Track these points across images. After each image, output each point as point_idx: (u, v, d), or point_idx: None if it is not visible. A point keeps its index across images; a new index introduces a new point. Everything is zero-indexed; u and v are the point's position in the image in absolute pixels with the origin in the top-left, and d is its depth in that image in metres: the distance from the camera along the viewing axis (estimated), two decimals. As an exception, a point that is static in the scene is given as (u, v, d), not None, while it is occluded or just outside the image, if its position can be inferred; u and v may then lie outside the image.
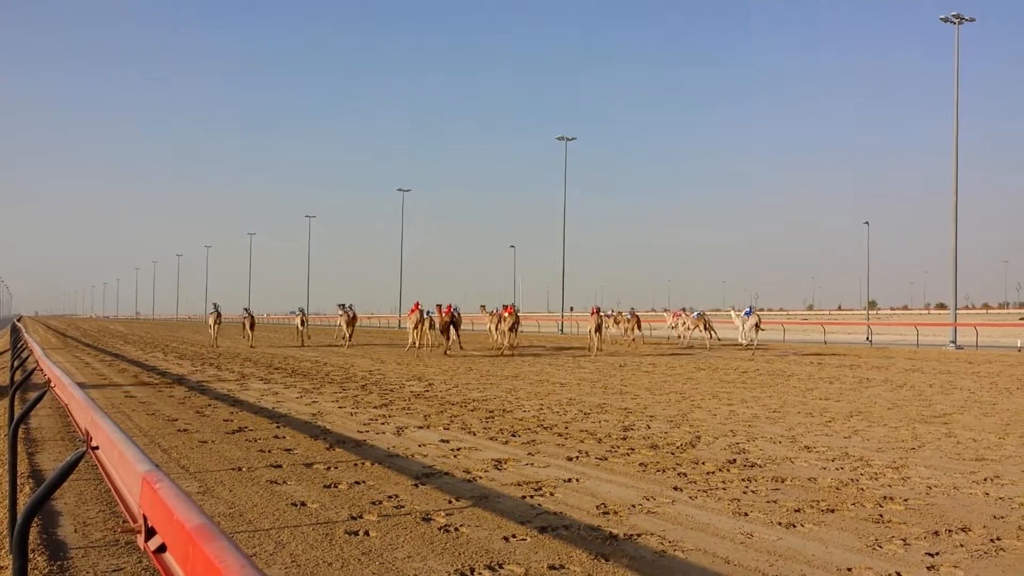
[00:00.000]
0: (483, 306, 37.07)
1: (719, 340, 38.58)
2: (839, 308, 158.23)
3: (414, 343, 31.13)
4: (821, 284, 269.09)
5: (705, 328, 35.35)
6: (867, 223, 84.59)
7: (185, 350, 33.44)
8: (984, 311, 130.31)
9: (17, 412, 6.98)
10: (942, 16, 40.01)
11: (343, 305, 36.29)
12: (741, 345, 35.27)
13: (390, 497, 6.97)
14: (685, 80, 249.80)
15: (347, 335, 35.77)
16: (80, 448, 3.99)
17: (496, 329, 32.27)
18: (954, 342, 36.10)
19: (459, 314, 31.64)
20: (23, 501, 6.42)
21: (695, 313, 36.55)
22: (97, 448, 4.09)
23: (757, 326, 32.36)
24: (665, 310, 47.21)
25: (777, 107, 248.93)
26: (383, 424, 11.36)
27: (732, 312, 39.14)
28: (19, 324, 34.00)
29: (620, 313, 40.13)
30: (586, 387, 16.98)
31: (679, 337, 38.23)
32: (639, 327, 38.66)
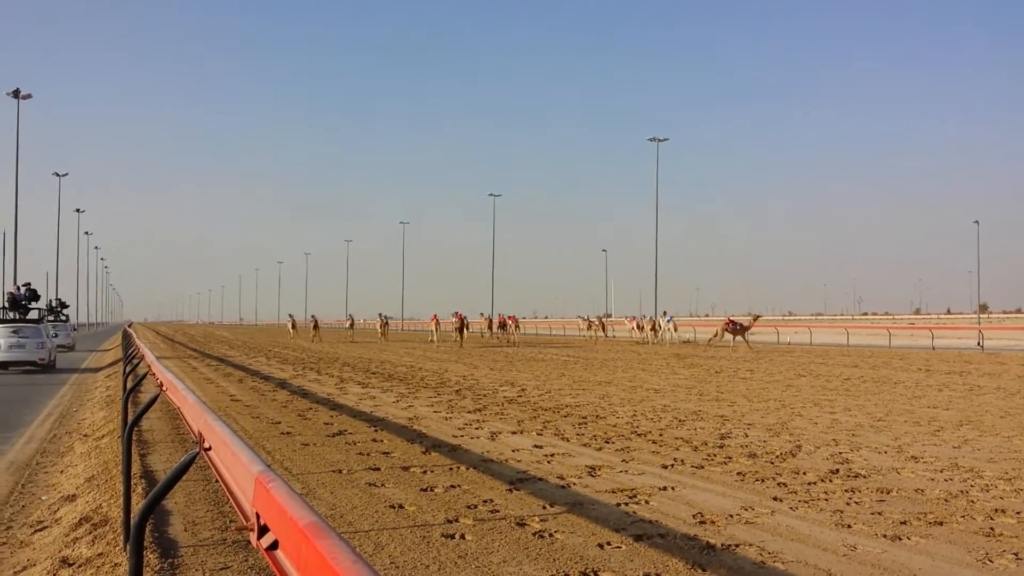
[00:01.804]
0: (482, 313, 57.22)
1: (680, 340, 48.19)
2: (947, 312, 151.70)
3: (432, 340, 47.39)
4: (929, 286, 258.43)
5: (652, 329, 47.10)
6: (977, 222, 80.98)
7: (286, 355, 34.50)
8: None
9: (131, 416, 7.35)
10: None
11: (382, 314, 54.55)
12: (664, 342, 45.98)
13: (485, 501, 7.05)
14: (783, 76, 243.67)
15: (383, 335, 53.52)
16: (193, 449, 4.19)
17: (488, 328, 53.20)
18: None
19: (467, 319, 46.91)
20: (136, 501, 6.77)
21: (646, 317, 52.54)
22: (210, 449, 4.27)
23: (676, 328, 47.96)
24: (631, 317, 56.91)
25: (885, 100, 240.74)
26: (477, 429, 11.50)
27: (661, 319, 49.18)
28: (130, 330, 35.73)
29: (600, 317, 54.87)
30: (681, 393, 16.78)
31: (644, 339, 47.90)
32: (603, 329, 53.12)
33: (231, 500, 3.60)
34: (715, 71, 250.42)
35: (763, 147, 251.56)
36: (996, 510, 6.76)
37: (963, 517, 6.53)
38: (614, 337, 54.59)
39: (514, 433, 11.15)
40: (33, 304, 31.62)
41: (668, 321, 47.18)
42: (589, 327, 53.38)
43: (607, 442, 10.35)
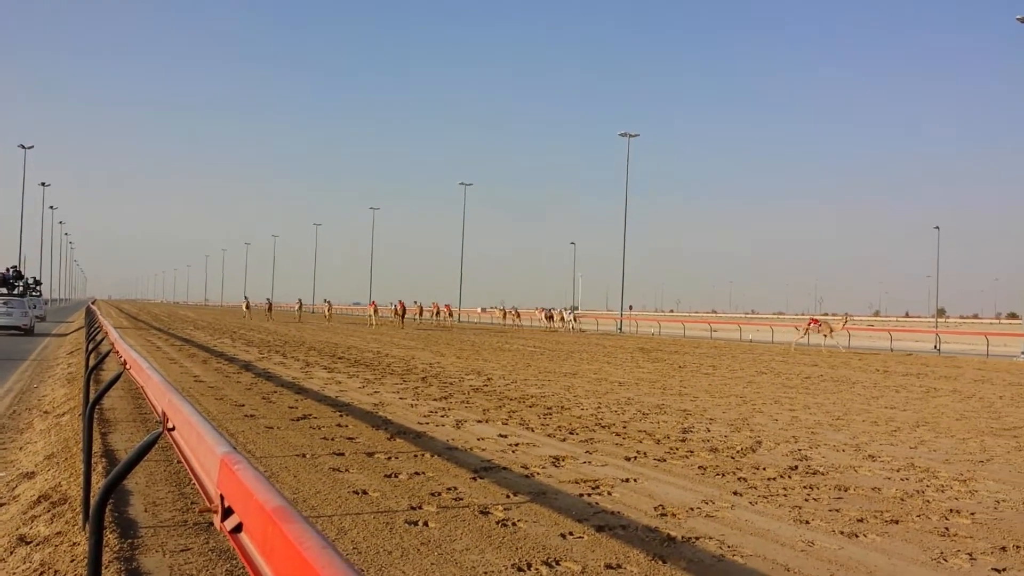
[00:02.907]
0: (416, 301, 66.11)
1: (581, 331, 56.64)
2: (906, 315, 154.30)
3: (370, 323, 57.01)
4: (888, 289, 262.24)
5: (562, 320, 58.92)
6: (937, 228, 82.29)
7: (252, 337, 34.19)
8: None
9: (92, 393, 7.25)
10: (1020, 16, 38.72)
11: (327, 300, 66.82)
12: (569, 331, 55.08)
13: (449, 489, 7.06)
14: (753, 79, 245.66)
15: (328, 317, 63.69)
16: (156, 429, 4.14)
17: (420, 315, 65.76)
18: (1026, 353, 34.92)
19: (405, 306, 57.57)
20: (96, 480, 6.68)
21: (562, 308, 62.83)
22: (173, 429, 4.23)
23: (576, 318, 59.50)
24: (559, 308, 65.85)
25: (851, 105, 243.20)
26: (443, 417, 11.49)
27: (565, 310, 61.45)
28: (93, 307, 35.63)
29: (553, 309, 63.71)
30: (645, 387, 16.89)
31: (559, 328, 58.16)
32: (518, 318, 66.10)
33: (195, 481, 3.56)
34: (690, 71, 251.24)
35: (730, 148, 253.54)
36: (951, 510, 6.90)
37: (919, 516, 6.66)
38: (529, 326, 64.01)
39: (479, 422, 11.16)
40: (18, 282, 45.37)
41: (570, 313, 60.28)
42: (504, 315, 67.26)
43: (571, 433, 10.40)
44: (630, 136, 64.87)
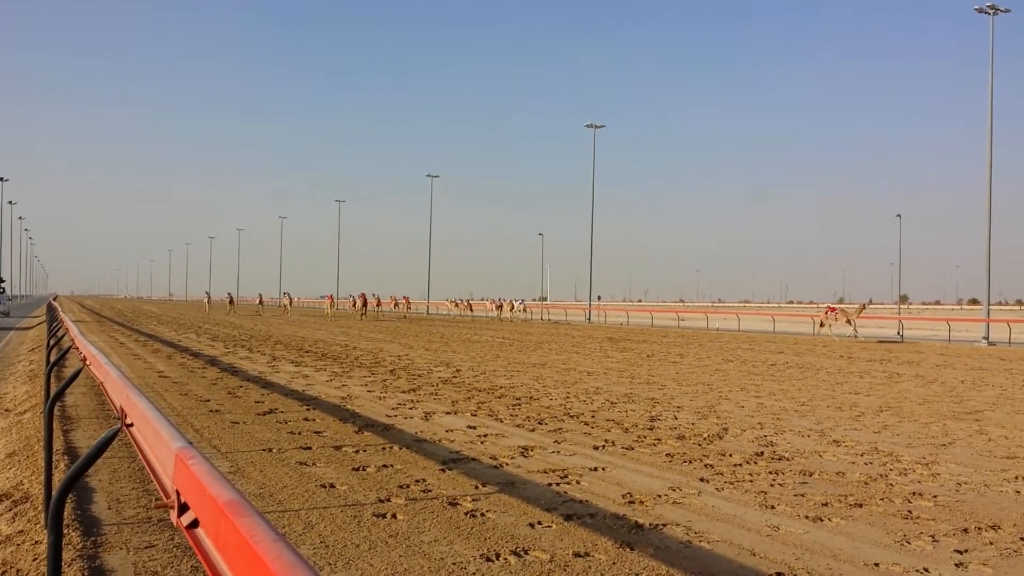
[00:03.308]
0: (374, 294, 67.36)
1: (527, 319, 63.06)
2: (870, 302, 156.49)
3: (328, 314, 63.44)
4: (852, 277, 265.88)
5: (512, 310, 64.04)
6: (899, 216, 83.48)
7: (217, 331, 33.83)
8: (1018, 307, 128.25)
9: (53, 389, 7.11)
10: (977, 7, 39.25)
11: (286, 292, 76.07)
12: (517, 320, 60.66)
13: (417, 481, 7.02)
14: (719, 69, 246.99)
15: (287, 309, 69.88)
16: (115, 425, 4.06)
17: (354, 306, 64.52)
18: (986, 338, 35.56)
19: (367, 297, 61.18)
20: (58, 478, 6.56)
21: (512, 299, 66.34)
22: (131, 425, 4.15)
23: (525, 308, 66.33)
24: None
25: (815, 95, 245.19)
26: (411, 409, 11.44)
27: (516, 301, 65.82)
28: (55, 303, 34.79)
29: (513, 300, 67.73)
30: (613, 376, 16.95)
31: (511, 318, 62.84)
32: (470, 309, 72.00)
33: (153, 477, 3.50)
34: (660, 63, 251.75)
35: (697, 138, 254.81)
36: (914, 493, 6.99)
37: (882, 500, 6.74)
38: (483, 316, 68.65)
39: (448, 413, 11.13)
40: None
41: (520, 303, 65.83)
42: (456, 306, 74.22)
43: (540, 423, 10.40)
44: (596, 127, 64.99)
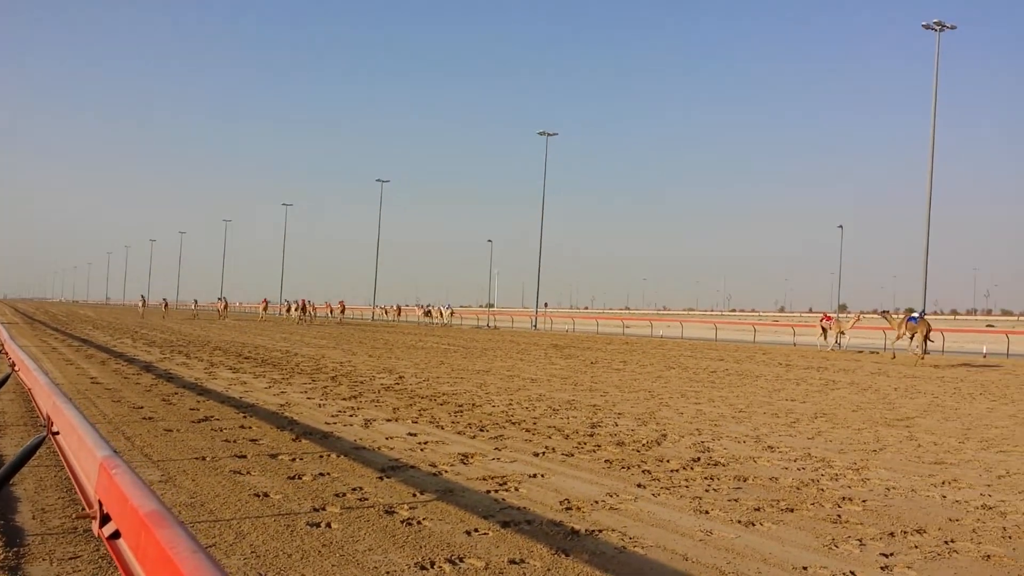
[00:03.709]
0: (309, 300, 67.05)
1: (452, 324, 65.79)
2: (809, 311, 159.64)
3: (261, 318, 65.65)
4: (793, 287, 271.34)
5: (440, 315, 66.96)
6: (840, 227, 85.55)
7: (155, 336, 33.12)
8: (952, 317, 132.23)
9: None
10: (924, 23, 40.51)
11: (222, 296, 73.45)
12: (447, 324, 64.80)
13: (354, 489, 6.96)
14: (671, 81, 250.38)
15: (221, 313, 70.54)
16: (41, 433, 3.96)
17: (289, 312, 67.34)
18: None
19: (305, 304, 62.04)
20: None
21: (439, 305, 69.78)
22: (58, 433, 4.06)
23: (452, 314, 68.96)
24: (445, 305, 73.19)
25: (757, 103, 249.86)
26: (351, 416, 11.35)
27: (442, 307, 69.05)
28: (-15, 307, 33.93)
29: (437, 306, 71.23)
30: (556, 383, 17.04)
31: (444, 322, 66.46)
32: (452, 315, 70.87)
33: (76, 487, 3.43)
34: (610, 70, 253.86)
35: (645, 149, 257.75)
36: (843, 498, 7.16)
37: (813, 504, 6.89)
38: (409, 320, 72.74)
39: (389, 421, 11.06)
40: None
41: (447, 309, 68.24)
42: (386, 313, 79.35)
43: (482, 430, 10.40)
44: (548, 135, 65.36)
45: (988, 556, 5.59)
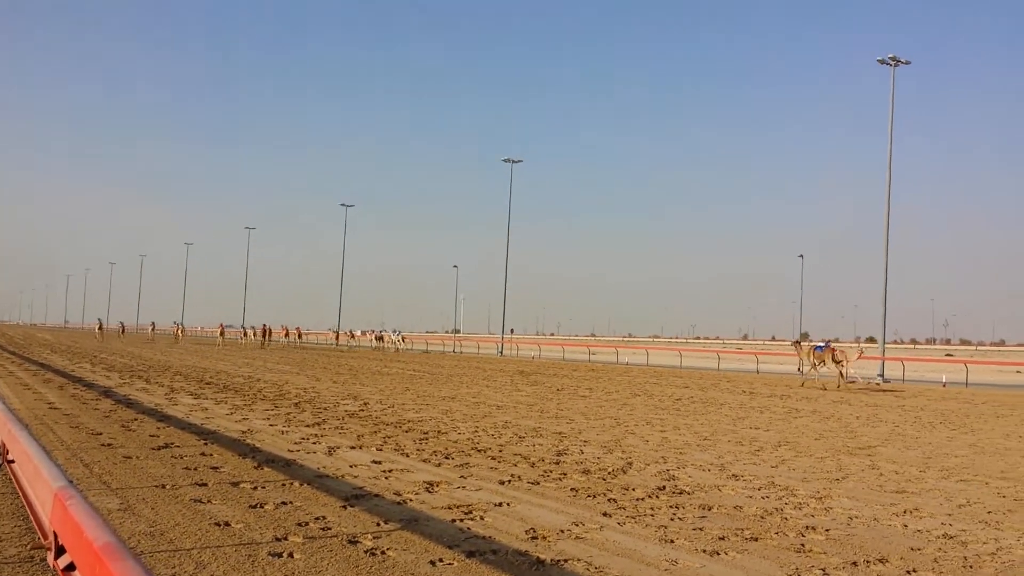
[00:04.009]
0: (264, 324, 71.52)
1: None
2: (772, 339, 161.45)
3: (218, 344, 63.36)
4: (756, 315, 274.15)
5: (392, 341, 67.99)
6: (801, 256, 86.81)
7: (114, 361, 32.57)
8: (912, 346, 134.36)
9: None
10: (879, 58, 41.48)
11: (176, 322, 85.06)
12: (398, 350, 65.37)
13: (317, 519, 6.87)
14: (628, 105, 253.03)
15: (178, 338, 75.00)
16: (-7, 462, 3.86)
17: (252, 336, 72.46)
18: (881, 375, 37.08)
19: (270, 328, 69.03)
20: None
21: (390, 330, 71.74)
22: (13, 461, 3.96)
23: (403, 339, 70.04)
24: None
25: (719, 139, 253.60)
26: (315, 443, 11.21)
27: (392, 332, 71.05)
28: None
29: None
30: (523, 410, 17.00)
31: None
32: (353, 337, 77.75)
33: (32, 517, 3.34)
34: (577, 96, 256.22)
35: (613, 174, 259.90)
36: (807, 527, 7.20)
37: (777, 533, 6.92)
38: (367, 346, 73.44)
39: (353, 448, 10.95)
40: None
41: (397, 334, 70.10)
42: (337, 338, 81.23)
43: (447, 458, 10.33)
44: (513, 162, 65.75)
45: (949, 585, 5.64)
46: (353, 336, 79.88)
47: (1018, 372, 49.24)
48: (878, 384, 34.13)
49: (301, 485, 8.28)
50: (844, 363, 29.28)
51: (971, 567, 6.13)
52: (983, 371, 47.78)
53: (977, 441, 14.39)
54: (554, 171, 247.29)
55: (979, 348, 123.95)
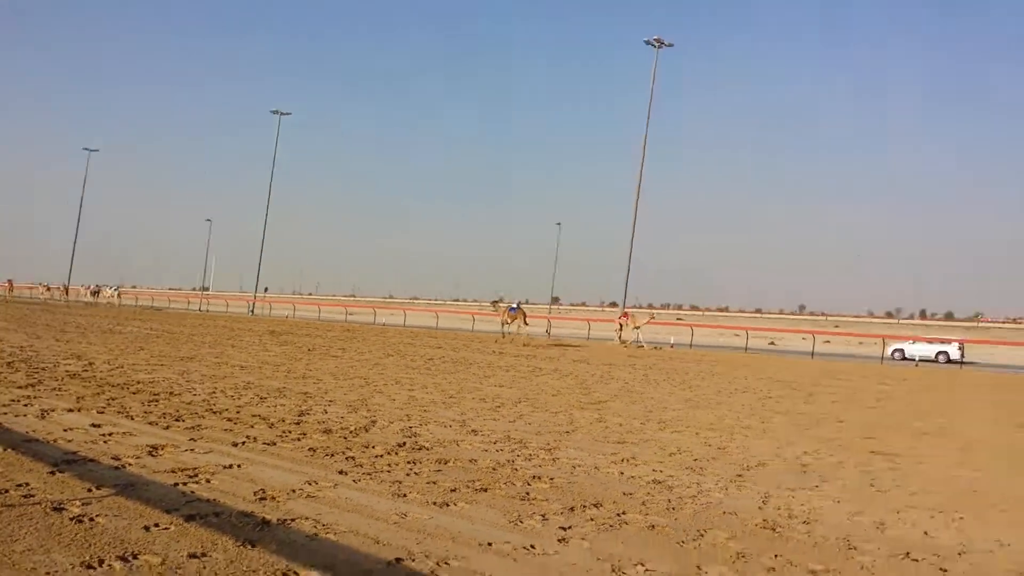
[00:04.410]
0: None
1: None
2: (527, 301, 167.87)
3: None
4: (516, 277, 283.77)
5: (119, 296, 67.22)
6: (559, 224, 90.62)
7: None
8: (648, 309, 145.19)
9: None
10: (645, 39, 44.56)
11: None
12: (115, 305, 64.89)
13: (19, 486, 6.26)
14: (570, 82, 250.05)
15: None
16: None
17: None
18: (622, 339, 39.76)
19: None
20: None
21: (107, 286, 72.41)
22: None
23: (119, 295, 69.37)
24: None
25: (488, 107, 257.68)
26: (26, 406, 10.21)
27: (109, 288, 70.77)
28: None
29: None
30: (268, 371, 16.49)
31: None
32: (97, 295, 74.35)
33: None
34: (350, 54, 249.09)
35: (375, 139, 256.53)
36: (534, 476, 7.57)
37: (506, 484, 7.21)
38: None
39: (70, 411, 10.08)
40: None
41: (113, 289, 72.56)
42: (48, 290, 77.55)
43: (177, 420, 9.79)
44: (281, 114, 63.21)
45: (653, 526, 6.15)
46: (49, 289, 76.28)
47: (736, 336, 54.79)
48: (643, 346, 36.66)
49: (5, 451, 7.50)
50: (523, 324, 34.74)
51: (674, 508, 6.73)
52: (707, 334, 52.67)
53: (692, 396, 15.82)
54: (329, 129, 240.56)
55: (706, 313, 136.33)
